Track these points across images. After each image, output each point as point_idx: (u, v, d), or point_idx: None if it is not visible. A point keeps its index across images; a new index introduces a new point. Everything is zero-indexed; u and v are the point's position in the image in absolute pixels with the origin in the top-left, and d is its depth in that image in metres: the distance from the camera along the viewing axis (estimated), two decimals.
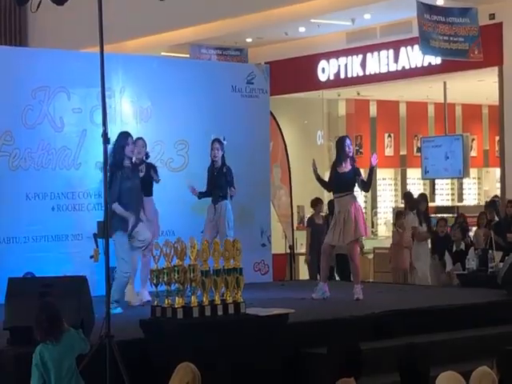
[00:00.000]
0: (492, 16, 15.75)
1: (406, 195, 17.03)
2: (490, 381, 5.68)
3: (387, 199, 21.14)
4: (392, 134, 20.59)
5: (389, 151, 20.57)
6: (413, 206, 15.70)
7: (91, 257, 9.54)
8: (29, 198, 11.63)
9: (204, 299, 8.16)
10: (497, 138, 18.17)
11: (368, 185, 12.07)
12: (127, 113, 12.50)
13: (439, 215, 17.22)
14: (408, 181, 21.13)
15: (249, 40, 18.47)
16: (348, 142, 11.97)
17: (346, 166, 11.63)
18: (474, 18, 15.14)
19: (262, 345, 8.22)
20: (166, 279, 8.14)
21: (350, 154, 11.85)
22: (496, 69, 16.07)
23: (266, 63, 16.00)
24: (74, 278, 8.59)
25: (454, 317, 10.03)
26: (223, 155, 11.81)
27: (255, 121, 13.29)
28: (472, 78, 17.29)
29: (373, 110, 20.63)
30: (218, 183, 11.79)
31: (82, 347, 6.83)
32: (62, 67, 12.21)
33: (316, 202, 16.07)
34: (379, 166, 20.61)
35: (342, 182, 11.67)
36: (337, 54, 18.36)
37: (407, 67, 17.24)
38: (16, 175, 11.61)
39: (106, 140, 8.32)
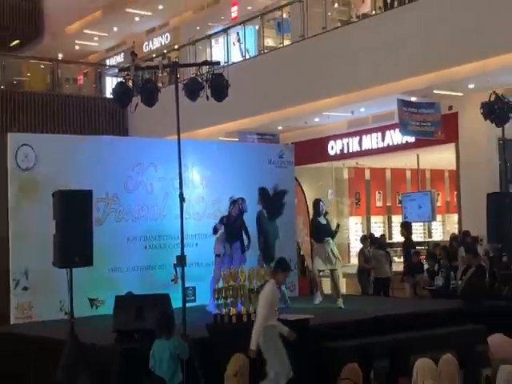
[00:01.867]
0: (450, 107, 15.80)
1: (371, 236, 16.89)
2: (453, 365, 5.69)
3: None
4: (381, 192, 20.53)
5: (379, 203, 20.46)
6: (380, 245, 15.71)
7: (172, 280, 9.66)
8: (129, 240, 11.76)
9: (251, 309, 8.25)
10: (455, 193, 18.16)
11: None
12: (196, 180, 12.63)
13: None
14: (393, 224, 20.79)
15: (279, 128, 18.63)
16: (321, 203, 12.17)
17: (322, 220, 11.90)
18: (437, 109, 15.25)
19: (291, 341, 8.26)
20: (224, 295, 8.26)
21: (323, 212, 12.03)
22: (453, 144, 16.08)
23: (292, 143, 16.15)
24: (160, 296, 8.67)
25: (425, 319, 9.98)
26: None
27: (284, 184, 13.31)
28: (437, 151, 17.28)
29: (367, 175, 20.50)
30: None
31: (182, 352, 6.94)
32: (152, 149, 12.40)
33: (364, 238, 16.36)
34: (373, 214, 20.76)
35: (324, 231, 11.84)
36: (341, 136, 18.47)
37: (391, 144, 17.28)
38: (120, 225, 11.74)
39: (181, 199, 8.47)
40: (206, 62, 9.04)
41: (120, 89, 8.78)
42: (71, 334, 7.92)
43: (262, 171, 13.30)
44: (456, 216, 18.38)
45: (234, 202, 11.67)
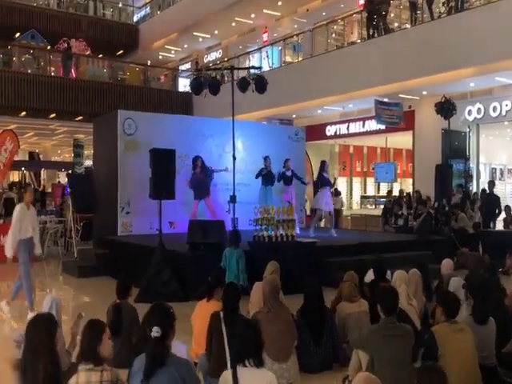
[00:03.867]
0: (410, 106, 15.30)
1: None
2: (417, 275, 5.53)
3: (356, 192, 20.39)
4: (360, 161, 20.10)
5: (358, 169, 20.10)
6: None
7: (226, 211, 9.54)
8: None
9: (277, 233, 8.12)
10: (410, 165, 17.84)
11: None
12: (240, 147, 12.20)
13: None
14: (367, 183, 20.44)
15: (293, 116, 18.22)
16: (326, 163, 11.52)
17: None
18: (401, 107, 14.74)
19: (304, 256, 8.12)
20: (260, 223, 8.12)
21: (327, 169, 11.41)
22: (411, 132, 15.61)
23: (302, 126, 15.83)
24: (218, 221, 8.58)
25: (395, 245, 9.84)
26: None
27: (298, 153, 13.08)
28: (399, 136, 16.90)
29: (351, 150, 20.00)
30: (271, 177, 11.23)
31: (241, 257, 6.83)
32: (211, 125, 12.21)
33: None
34: (354, 176, 20.42)
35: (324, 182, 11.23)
36: (335, 123, 18.00)
37: (369, 129, 16.87)
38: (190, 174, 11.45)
39: (234, 158, 8.29)
40: (253, 67, 8.76)
41: (195, 82, 8.56)
42: (160, 243, 7.85)
43: (283, 144, 13.03)
44: (409, 180, 18.11)
45: (266, 158, 11.31)
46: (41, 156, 25.01)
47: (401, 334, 3.86)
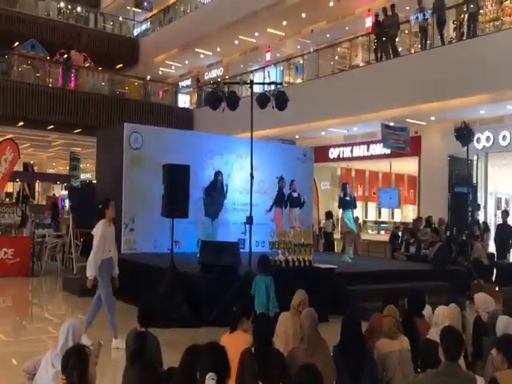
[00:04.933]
0: (416, 132, 15.05)
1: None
2: (458, 311, 5.14)
3: (358, 215, 19.76)
4: (362, 185, 19.62)
5: (360, 193, 19.50)
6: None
7: (242, 233, 9.12)
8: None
9: (295, 258, 7.75)
10: (411, 191, 17.62)
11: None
12: (247, 166, 11.82)
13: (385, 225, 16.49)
14: (368, 208, 19.93)
15: (297, 136, 17.93)
16: (347, 186, 11.53)
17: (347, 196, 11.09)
18: (407, 132, 14.46)
19: (322, 283, 7.74)
20: (278, 247, 7.73)
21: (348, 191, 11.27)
22: (417, 158, 15.37)
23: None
24: (233, 243, 8.15)
25: (410, 275, 9.38)
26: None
27: (306, 174, 12.75)
28: (403, 161, 16.60)
29: (353, 174, 19.48)
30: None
31: (271, 284, 6.36)
32: (219, 142, 11.85)
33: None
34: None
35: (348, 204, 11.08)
36: (338, 145, 17.76)
37: (374, 154, 16.62)
38: (197, 192, 10.77)
39: (252, 176, 7.92)
40: (273, 82, 8.42)
41: (212, 96, 8.16)
42: (171, 263, 7.40)
43: (291, 164, 12.70)
44: (410, 206, 17.81)
45: (281, 179, 11.01)
46: (35, 168, 24.42)
47: (463, 382, 3.48)
